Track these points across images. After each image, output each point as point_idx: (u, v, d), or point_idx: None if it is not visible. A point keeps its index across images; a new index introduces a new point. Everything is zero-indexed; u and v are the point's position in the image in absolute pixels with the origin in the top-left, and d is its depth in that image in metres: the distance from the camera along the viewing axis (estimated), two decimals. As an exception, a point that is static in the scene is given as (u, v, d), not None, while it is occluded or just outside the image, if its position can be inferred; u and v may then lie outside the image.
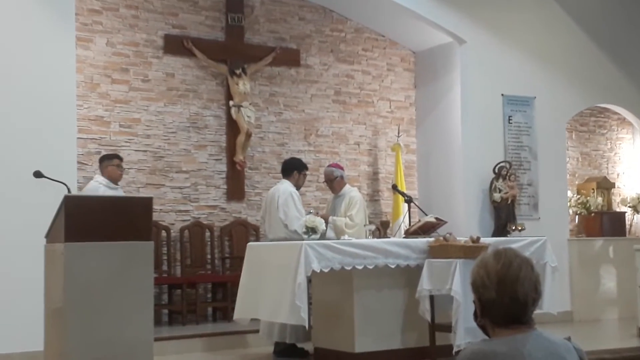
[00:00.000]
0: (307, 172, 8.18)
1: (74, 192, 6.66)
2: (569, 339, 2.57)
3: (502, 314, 2.45)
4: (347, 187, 8.23)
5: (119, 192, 8.04)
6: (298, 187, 7.84)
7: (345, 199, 8.02)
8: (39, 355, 6.11)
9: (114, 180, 8.02)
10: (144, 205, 5.77)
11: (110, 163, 8.05)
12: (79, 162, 8.35)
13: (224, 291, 9.28)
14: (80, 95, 8.59)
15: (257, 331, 7.82)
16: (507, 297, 2.42)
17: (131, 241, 5.48)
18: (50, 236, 5.73)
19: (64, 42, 7.89)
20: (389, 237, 7.91)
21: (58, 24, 7.84)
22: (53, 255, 5.56)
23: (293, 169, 7.84)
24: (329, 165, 8.53)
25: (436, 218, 7.93)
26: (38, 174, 6.14)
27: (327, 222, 7.64)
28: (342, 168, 8.36)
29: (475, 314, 2.52)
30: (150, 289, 5.65)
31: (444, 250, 7.03)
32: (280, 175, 8.12)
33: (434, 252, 7.12)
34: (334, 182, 8.13)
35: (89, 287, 5.31)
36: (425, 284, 6.96)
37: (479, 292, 2.46)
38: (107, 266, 5.38)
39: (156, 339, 6.05)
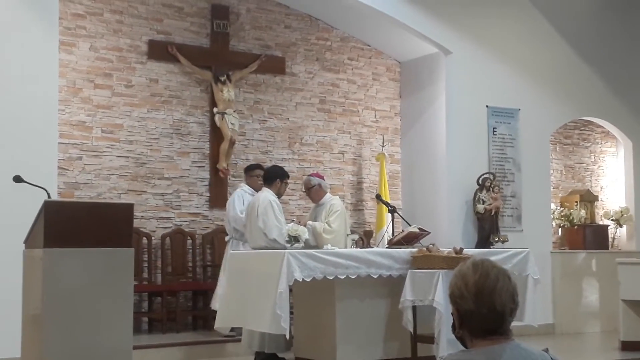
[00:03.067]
0: (289, 181, 8.14)
1: (54, 197, 6.59)
2: (546, 350, 2.56)
3: (480, 325, 2.44)
4: (328, 195, 8.19)
5: None
6: (279, 196, 7.80)
7: (326, 207, 7.98)
8: (16, 362, 6.03)
9: (256, 189, 8.30)
10: (125, 211, 5.72)
11: (252, 174, 8.56)
12: (59, 168, 8.29)
13: (205, 299, 9.22)
14: (62, 99, 8.52)
15: (237, 340, 7.76)
16: (485, 308, 2.42)
17: (111, 248, 5.44)
18: (29, 242, 5.68)
19: (47, 46, 7.82)
20: (372, 247, 7.88)
21: (41, 27, 7.78)
22: (32, 261, 5.51)
23: (275, 177, 7.79)
24: (309, 175, 8.50)
25: (419, 228, 7.91)
26: (18, 179, 6.05)
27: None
28: (321, 177, 8.33)
29: (453, 325, 2.51)
30: (130, 297, 5.61)
31: (427, 260, 7.01)
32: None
33: (417, 262, 7.10)
34: (311, 191, 8.09)
35: (68, 294, 5.26)
36: (408, 295, 6.93)
37: (457, 303, 2.46)
38: (86, 273, 5.33)
39: (135, 347, 6.00)
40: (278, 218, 7.47)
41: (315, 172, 9.07)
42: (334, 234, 7.79)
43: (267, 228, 7.40)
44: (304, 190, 8.27)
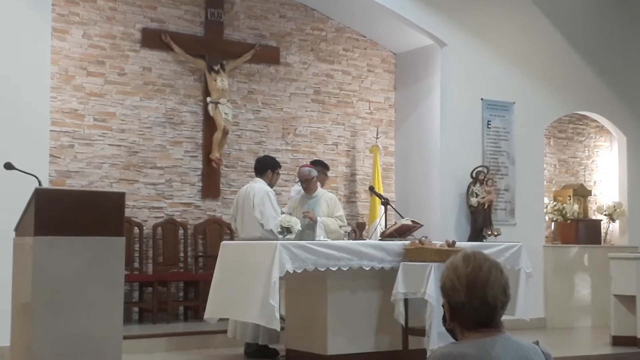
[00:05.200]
0: (282, 172, 8.10)
1: (45, 185, 6.55)
2: (537, 342, 2.56)
3: (472, 318, 2.43)
4: (320, 189, 8.17)
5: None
6: (271, 186, 7.76)
7: (321, 200, 7.91)
8: (5, 351, 6.00)
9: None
10: (117, 200, 5.70)
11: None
12: (51, 155, 8.25)
13: (196, 290, 9.20)
14: (54, 87, 8.48)
15: (225, 331, 7.72)
16: (476, 300, 2.41)
17: (102, 237, 5.42)
18: (19, 229, 5.64)
19: (39, 32, 7.77)
20: (365, 239, 7.87)
21: (34, 14, 7.72)
22: (22, 249, 5.48)
23: (266, 167, 7.75)
24: (304, 166, 8.44)
25: (412, 221, 7.89)
26: (9, 166, 6.01)
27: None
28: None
29: (444, 317, 2.50)
30: (121, 286, 5.58)
31: (420, 253, 6.99)
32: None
33: (410, 255, 7.09)
34: (310, 183, 8.03)
35: (58, 283, 5.24)
36: (400, 287, 6.92)
37: (449, 295, 2.45)
38: (76, 261, 5.30)
39: (125, 337, 5.98)
40: (275, 209, 7.44)
41: (307, 163, 9.02)
42: (345, 228, 7.96)
43: (264, 219, 7.36)
44: (298, 180, 8.21)
